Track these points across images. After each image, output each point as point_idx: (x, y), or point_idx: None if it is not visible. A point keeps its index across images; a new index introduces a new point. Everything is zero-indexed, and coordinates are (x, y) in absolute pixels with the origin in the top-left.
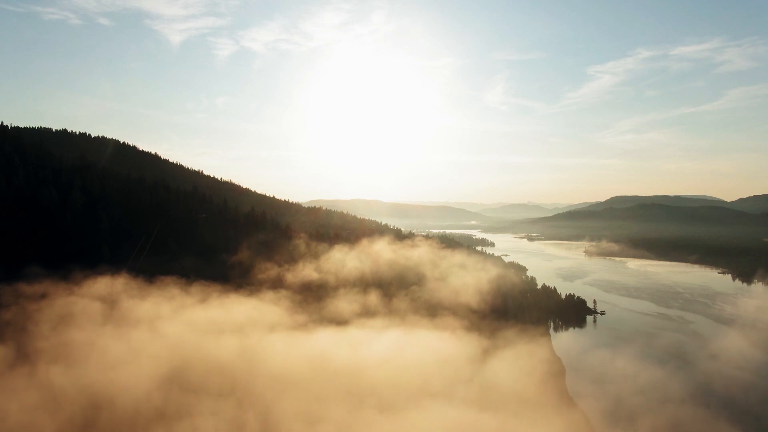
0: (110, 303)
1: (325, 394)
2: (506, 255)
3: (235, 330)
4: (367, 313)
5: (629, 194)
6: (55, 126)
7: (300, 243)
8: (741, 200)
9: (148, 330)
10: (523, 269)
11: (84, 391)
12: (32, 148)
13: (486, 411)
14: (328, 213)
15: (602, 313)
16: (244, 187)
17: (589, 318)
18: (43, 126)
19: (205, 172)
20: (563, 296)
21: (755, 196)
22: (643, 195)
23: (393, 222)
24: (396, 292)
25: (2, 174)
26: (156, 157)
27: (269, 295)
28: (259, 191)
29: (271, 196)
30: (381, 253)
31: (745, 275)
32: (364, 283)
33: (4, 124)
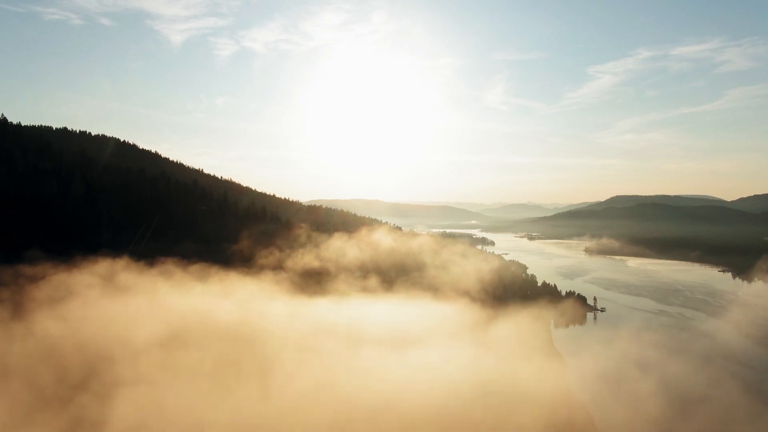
0: (110, 279)
1: (324, 344)
2: (506, 254)
3: (235, 300)
4: (367, 291)
5: (629, 194)
6: (55, 125)
7: (301, 233)
8: (741, 200)
9: (147, 298)
10: (524, 267)
11: (82, 346)
12: (33, 142)
13: (485, 355)
14: (329, 211)
15: (602, 309)
16: (244, 185)
17: (590, 315)
18: (43, 124)
19: (205, 171)
20: (563, 293)
21: (755, 196)
22: (643, 195)
23: (393, 221)
24: (396, 278)
25: (2, 165)
26: (156, 155)
27: (270, 275)
28: (259, 190)
29: (271, 194)
30: (381, 242)
31: (746, 273)
32: (364, 270)
33: (5, 116)
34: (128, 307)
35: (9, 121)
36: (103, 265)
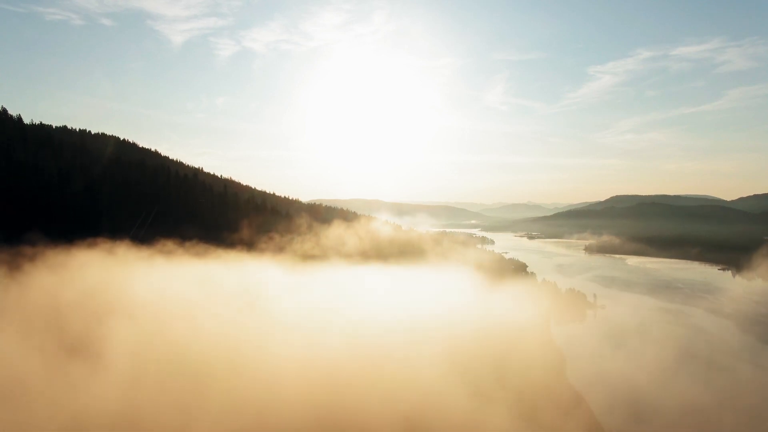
0: (110, 253)
1: (328, 287)
2: (506, 252)
3: (235, 268)
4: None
5: (629, 194)
6: (55, 124)
7: (302, 222)
8: (741, 199)
9: (147, 265)
10: (523, 265)
11: (80, 294)
12: (33, 132)
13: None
14: (329, 209)
15: (602, 307)
16: (244, 184)
17: (590, 312)
18: (43, 122)
19: (205, 170)
20: (563, 290)
21: (755, 195)
22: (643, 194)
23: (393, 221)
24: (396, 264)
25: (2, 151)
26: (156, 153)
27: (270, 257)
28: (258, 188)
29: (271, 192)
30: (381, 232)
31: (746, 272)
32: (365, 256)
33: (5, 108)
34: (127, 270)
35: (9, 113)
36: (104, 247)
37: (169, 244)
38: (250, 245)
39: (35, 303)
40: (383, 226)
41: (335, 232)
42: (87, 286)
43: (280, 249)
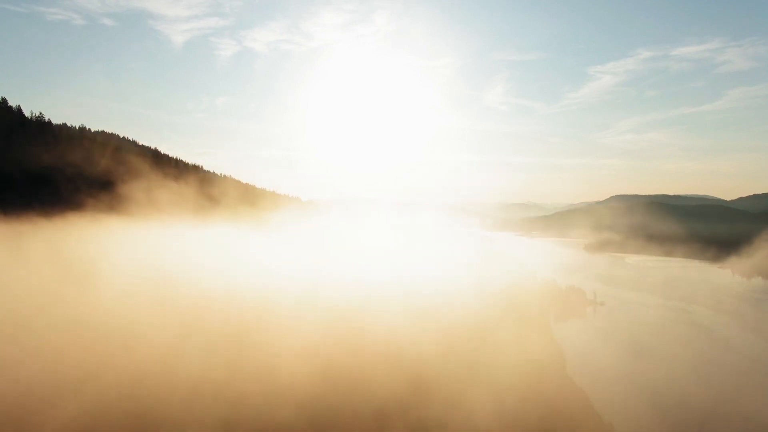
0: (107, 225)
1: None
2: (506, 252)
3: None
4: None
5: (629, 194)
6: (55, 122)
7: (299, 215)
8: (741, 199)
9: (141, 234)
10: (523, 264)
11: (80, 254)
12: (32, 125)
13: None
14: (325, 202)
15: (602, 304)
16: (244, 182)
17: (589, 309)
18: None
19: (205, 168)
20: (563, 288)
21: (755, 195)
22: (644, 194)
23: (393, 220)
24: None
25: (2, 136)
26: (156, 151)
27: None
28: (258, 186)
29: (271, 191)
30: (381, 219)
31: (745, 271)
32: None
33: (5, 99)
34: (123, 235)
35: (9, 104)
36: (102, 222)
37: (166, 220)
38: (247, 225)
39: (35, 256)
40: (384, 218)
41: (335, 218)
42: (85, 242)
43: (278, 227)
